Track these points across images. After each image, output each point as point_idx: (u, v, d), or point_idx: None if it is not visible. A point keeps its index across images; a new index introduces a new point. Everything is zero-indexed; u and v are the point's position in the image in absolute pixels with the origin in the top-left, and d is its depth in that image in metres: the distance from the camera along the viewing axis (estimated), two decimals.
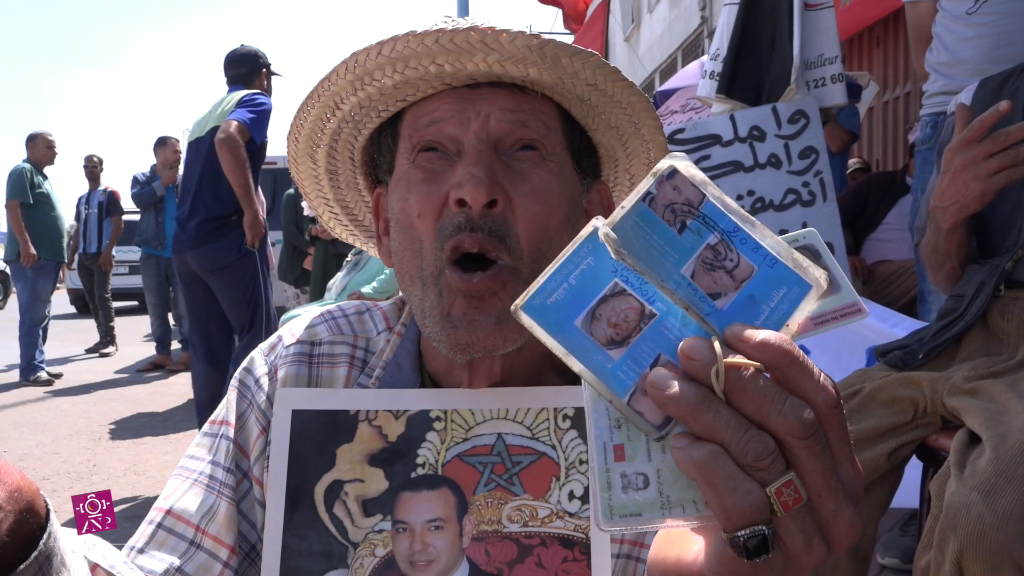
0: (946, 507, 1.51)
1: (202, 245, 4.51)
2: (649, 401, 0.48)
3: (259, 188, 6.51)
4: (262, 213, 4.97)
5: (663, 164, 0.50)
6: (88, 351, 9.35)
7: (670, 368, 0.48)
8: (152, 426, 5.67)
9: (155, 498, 3.59)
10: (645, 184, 0.50)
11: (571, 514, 0.79)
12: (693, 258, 0.49)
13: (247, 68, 4.77)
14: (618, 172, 1.00)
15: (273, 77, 4.91)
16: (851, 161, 6.89)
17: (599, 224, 0.50)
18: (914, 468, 2.01)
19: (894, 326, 2.34)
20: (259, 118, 4.48)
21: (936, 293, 2.74)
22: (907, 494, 2.06)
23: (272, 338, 0.99)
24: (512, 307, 0.50)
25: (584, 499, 0.79)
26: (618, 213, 0.49)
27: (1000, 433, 1.55)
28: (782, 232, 3.38)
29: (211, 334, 4.68)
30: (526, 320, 0.50)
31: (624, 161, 0.97)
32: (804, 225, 3.15)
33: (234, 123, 4.32)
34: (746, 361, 0.46)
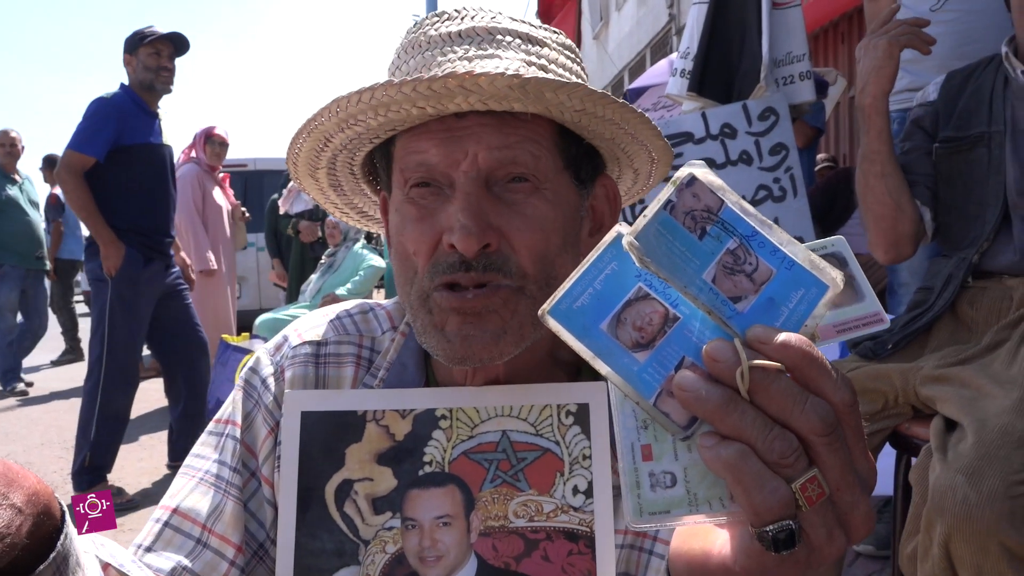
0: (932, 492, 1.56)
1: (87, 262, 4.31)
2: (675, 402, 0.50)
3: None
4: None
5: (683, 172, 0.52)
6: (54, 363, 9.17)
7: (695, 370, 0.50)
8: (126, 433, 5.59)
9: (132, 505, 3.53)
10: (666, 192, 0.52)
11: (575, 508, 0.81)
12: (714, 263, 0.51)
13: None
14: (622, 167, 1.01)
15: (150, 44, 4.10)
16: (819, 157, 7.00)
17: (623, 231, 0.52)
18: (887, 456, 2.07)
19: None
20: (81, 136, 4.00)
21: (907, 285, 2.81)
22: (881, 481, 2.11)
23: (278, 338, 1.00)
24: (539, 312, 0.52)
25: (587, 494, 0.82)
26: (640, 222, 0.51)
27: (979, 418, 1.60)
28: None
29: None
30: (553, 324, 0.52)
31: (626, 160, 0.98)
32: (776, 220, 3.20)
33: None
34: (769, 363, 0.48)
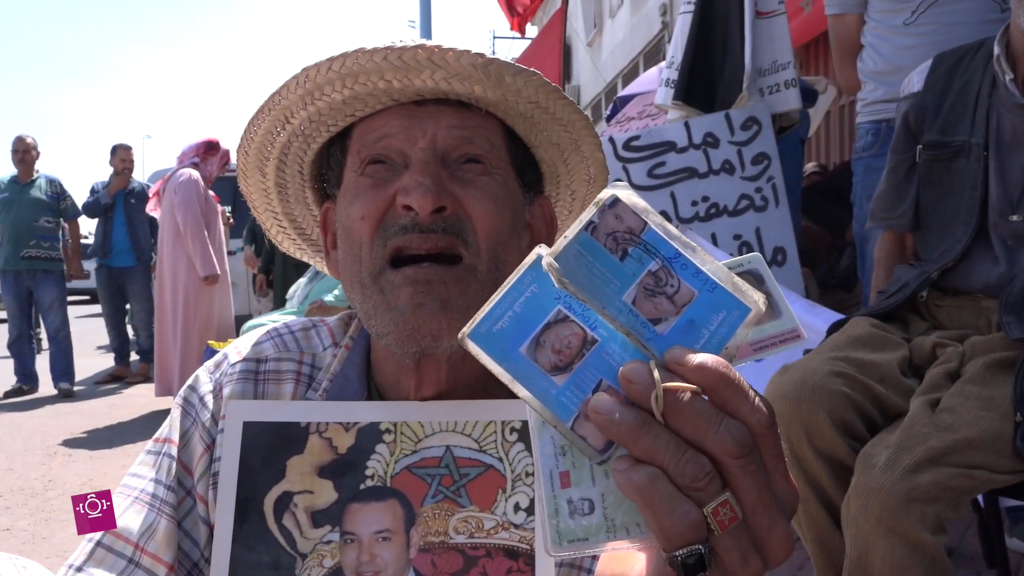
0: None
1: None
2: (592, 426, 0.49)
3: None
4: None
5: (605, 193, 0.51)
6: None
7: (611, 393, 0.49)
8: (109, 439, 5.57)
9: None
10: (588, 213, 0.51)
11: (516, 525, 0.80)
12: (634, 285, 0.50)
13: None
14: (560, 188, 1.03)
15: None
16: (808, 166, 7.00)
17: (542, 253, 0.51)
18: None
19: (826, 321, 2.38)
20: None
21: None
22: None
23: (218, 356, 0.99)
24: (459, 335, 0.51)
25: (529, 511, 0.81)
26: (561, 243, 0.50)
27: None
28: (736, 237, 3.40)
29: None
30: (473, 348, 0.51)
31: (566, 177, 1.00)
32: (758, 230, 3.21)
33: None
34: (684, 384, 0.47)
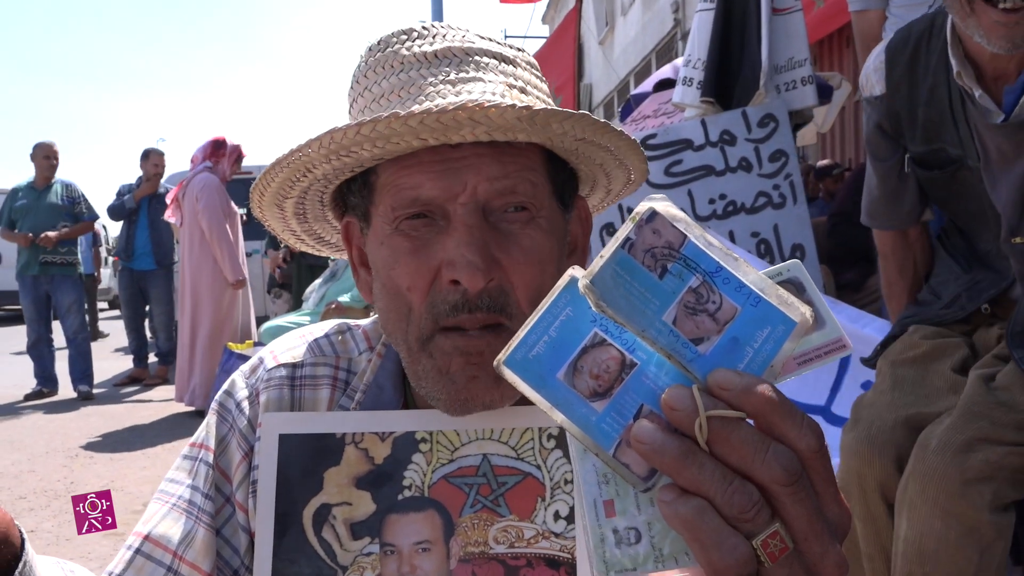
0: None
1: None
2: (635, 453, 0.47)
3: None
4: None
5: (642, 207, 0.49)
6: None
7: (653, 419, 0.47)
8: (130, 441, 5.61)
9: (134, 514, 3.56)
10: (624, 230, 0.49)
11: (556, 534, 0.80)
12: (675, 303, 0.48)
13: None
14: (596, 187, 1.01)
15: None
16: (822, 162, 6.97)
17: (576, 275, 0.49)
18: None
19: (864, 326, 2.37)
20: None
21: None
22: None
23: (253, 360, 0.98)
24: (495, 362, 0.50)
25: (569, 519, 0.80)
26: (597, 263, 0.48)
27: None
28: (754, 234, 3.37)
29: None
30: (509, 375, 0.49)
31: (603, 180, 0.98)
32: (775, 227, 3.19)
33: None
34: (728, 412, 0.46)
